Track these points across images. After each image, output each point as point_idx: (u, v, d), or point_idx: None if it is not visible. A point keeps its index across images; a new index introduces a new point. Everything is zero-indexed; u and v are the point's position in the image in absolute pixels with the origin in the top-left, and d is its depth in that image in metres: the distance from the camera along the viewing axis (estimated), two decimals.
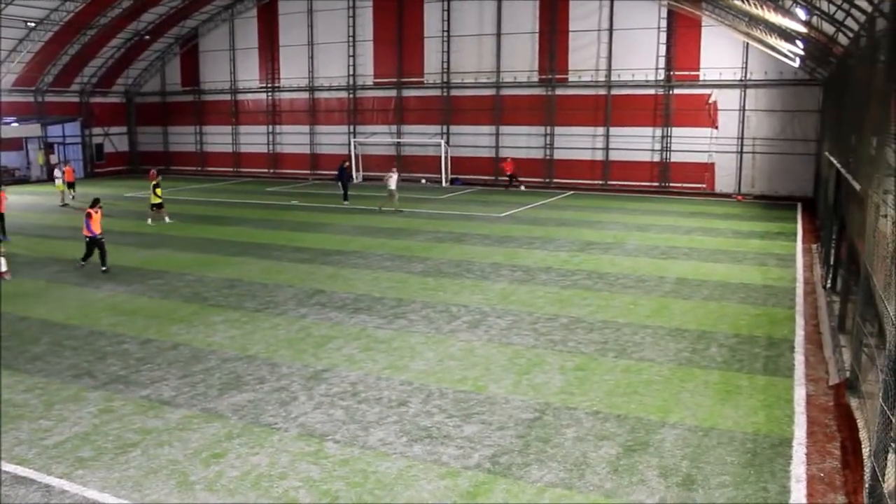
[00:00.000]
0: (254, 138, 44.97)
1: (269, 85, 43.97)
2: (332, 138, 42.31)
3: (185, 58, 46.63)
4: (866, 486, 6.57)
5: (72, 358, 11.53)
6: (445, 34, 38.34)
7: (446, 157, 38.23)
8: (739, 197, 32.81)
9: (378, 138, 40.84)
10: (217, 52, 45.29)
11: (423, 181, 38.54)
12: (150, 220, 25.27)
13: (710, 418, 9.12)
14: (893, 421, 5.89)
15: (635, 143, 34.95)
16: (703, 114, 33.59)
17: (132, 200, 32.59)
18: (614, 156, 35.57)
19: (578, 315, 13.83)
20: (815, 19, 17.60)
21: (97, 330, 13.04)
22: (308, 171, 43.20)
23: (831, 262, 15.49)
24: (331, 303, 14.81)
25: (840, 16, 15.35)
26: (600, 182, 35.89)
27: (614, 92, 35.23)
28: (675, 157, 34.40)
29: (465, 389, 10.13)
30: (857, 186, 11.51)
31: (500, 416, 9.23)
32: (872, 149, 9.90)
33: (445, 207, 29.53)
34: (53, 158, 42.36)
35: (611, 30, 34.79)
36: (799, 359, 11.40)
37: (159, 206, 25.40)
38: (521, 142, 37.44)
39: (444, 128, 39.14)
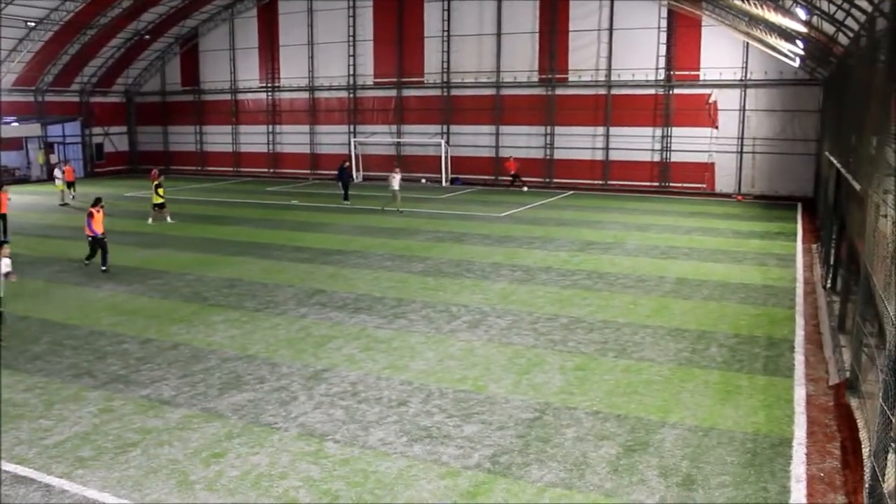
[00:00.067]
0: (254, 138, 44.96)
1: (269, 85, 43.96)
2: (333, 138, 42.30)
3: (185, 57, 46.63)
4: (866, 486, 6.57)
5: (72, 357, 11.53)
6: (445, 34, 38.33)
7: (446, 157, 38.23)
8: (739, 197, 32.81)
9: (378, 138, 40.84)
10: (217, 51, 45.29)
11: (423, 181, 38.53)
12: (150, 220, 25.26)
13: (710, 418, 9.12)
14: (893, 421, 5.89)
15: (635, 142, 34.95)
16: (704, 114, 33.59)
17: (132, 200, 32.60)
18: (614, 156, 35.57)
19: (578, 315, 13.83)
20: (815, 19, 17.60)
21: (97, 330, 13.04)
22: (308, 171, 43.19)
23: (831, 262, 15.49)
24: (331, 302, 14.81)
25: (840, 15, 15.35)
26: (600, 182, 35.89)
27: (614, 92, 35.23)
28: (676, 157, 34.39)
29: (465, 389, 10.13)
30: (857, 186, 11.51)
31: (500, 415, 9.23)
32: (872, 148, 9.90)
33: (445, 207, 29.54)
34: (53, 158, 42.36)
35: (611, 29, 34.79)
36: (799, 359, 11.40)
37: (161, 205, 25.37)
38: (521, 142, 37.43)
39: (445, 127, 39.14)
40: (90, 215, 17.83)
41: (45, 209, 30.10)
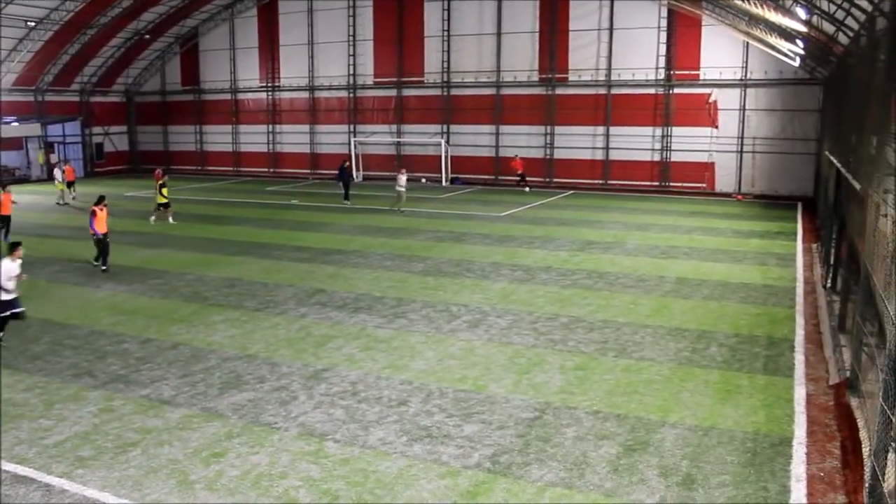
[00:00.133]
0: (254, 137, 44.97)
1: (270, 84, 43.96)
2: (333, 138, 42.30)
3: (185, 57, 46.63)
4: (866, 485, 6.58)
5: (72, 357, 11.53)
6: (445, 34, 38.33)
7: (446, 157, 38.23)
8: (739, 196, 32.81)
9: (378, 138, 40.84)
10: (217, 51, 45.29)
11: (424, 181, 38.52)
12: (153, 220, 25.27)
13: (711, 418, 9.12)
14: (893, 420, 5.89)
15: (635, 142, 34.95)
16: (704, 113, 33.59)
17: (132, 200, 32.60)
18: (614, 155, 35.57)
19: (578, 314, 13.83)
20: (815, 18, 17.60)
21: (97, 329, 13.04)
22: (308, 171, 43.19)
23: (831, 262, 15.49)
24: (331, 302, 14.81)
25: (840, 15, 15.35)
26: (600, 181, 35.89)
27: (614, 91, 35.23)
28: (676, 157, 34.39)
29: (465, 389, 10.13)
30: (858, 186, 11.51)
31: (500, 415, 9.23)
32: (872, 148, 9.90)
33: (445, 207, 29.54)
34: (53, 158, 42.37)
35: (611, 29, 34.79)
36: (799, 358, 11.39)
37: (165, 205, 25.39)
38: (522, 141, 37.41)
39: (445, 127, 39.13)
40: (93, 214, 17.77)
41: (45, 209, 30.11)
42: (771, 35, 24.69)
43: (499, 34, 37.22)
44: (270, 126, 44.38)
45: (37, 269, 17.93)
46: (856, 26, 14.24)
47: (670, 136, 34.33)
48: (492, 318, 13.64)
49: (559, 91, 36.39)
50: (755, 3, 19.44)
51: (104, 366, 11.13)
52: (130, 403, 9.66)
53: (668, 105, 34.18)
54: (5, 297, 11.95)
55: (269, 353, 11.71)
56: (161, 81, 47.75)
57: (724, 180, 33.77)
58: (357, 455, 8.17)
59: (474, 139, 38.64)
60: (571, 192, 34.84)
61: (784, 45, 24.71)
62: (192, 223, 25.40)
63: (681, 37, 33.64)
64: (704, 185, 34.01)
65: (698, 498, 7.25)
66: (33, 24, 36.22)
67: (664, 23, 33.65)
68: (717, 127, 33.45)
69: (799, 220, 26.19)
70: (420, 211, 27.92)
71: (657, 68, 34.10)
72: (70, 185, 32.43)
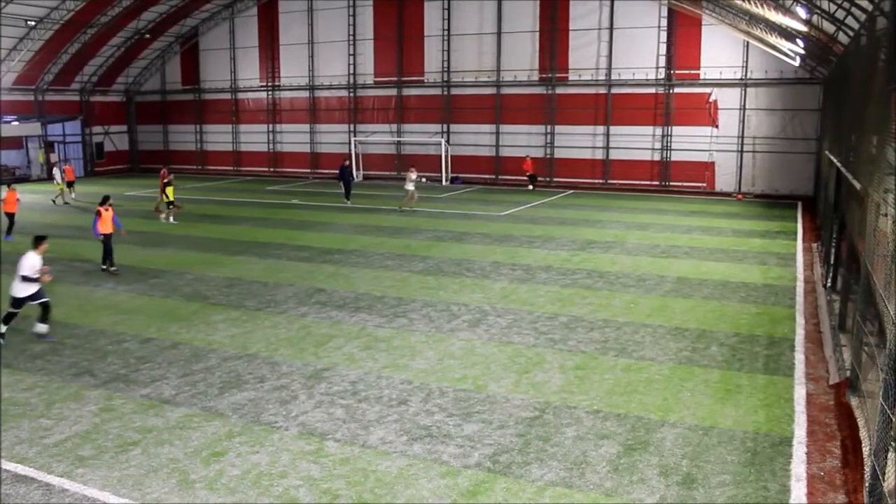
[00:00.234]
0: (254, 137, 44.99)
1: (270, 84, 43.97)
2: (333, 137, 42.32)
3: (185, 56, 46.63)
4: (866, 484, 6.58)
5: (72, 356, 11.53)
6: (446, 33, 38.33)
7: (446, 156, 38.23)
8: (740, 196, 32.81)
9: (378, 137, 40.84)
10: (217, 50, 45.29)
11: (424, 180, 38.49)
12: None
13: (711, 417, 9.12)
14: (894, 420, 5.89)
15: (636, 141, 34.96)
16: (704, 113, 33.59)
17: (132, 199, 32.59)
18: (614, 155, 35.57)
19: (578, 314, 13.83)
20: (815, 18, 17.61)
21: (97, 329, 13.04)
22: (308, 170, 43.20)
23: (832, 261, 15.48)
24: (331, 302, 14.82)
25: (841, 14, 15.35)
26: (600, 181, 35.89)
27: (614, 91, 35.23)
28: (676, 156, 34.39)
29: (465, 388, 10.13)
30: (858, 185, 11.50)
31: (501, 414, 9.23)
32: (873, 147, 9.90)
33: (446, 206, 29.54)
34: (53, 157, 42.38)
35: (611, 28, 34.79)
36: (799, 358, 11.39)
37: (170, 204, 25.51)
38: (522, 141, 37.43)
39: (445, 126, 39.13)
40: (98, 214, 17.69)
41: (45, 208, 30.14)
42: (771, 34, 24.69)
43: (499, 33, 37.21)
44: (271, 125, 44.38)
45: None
46: (856, 26, 14.24)
47: (670, 135, 34.34)
48: (492, 317, 13.64)
49: (559, 90, 36.39)
50: (755, 3, 19.44)
51: (104, 365, 11.14)
52: (131, 403, 9.67)
53: (668, 104, 34.18)
54: (27, 291, 12.00)
55: (270, 352, 11.71)
56: (161, 81, 47.76)
57: (725, 180, 33.77)
58: (357, 454, 8.17)
59: (474, 139, 38.65)
60: (571, 191, 34.84)
61: (784, 45, 24.70)
62: (193, 222, 25.41)
63: (681, 36, 33.64)
64: (705, 184, 34.01)
65: (698, 497, 7.25)
66: (34, 23, 36.23)
67: (664, 22, 33.65)
68: (717, 126, 33.45)
69: (799, 219, 26.19)
70: (420, 210, 27.92)
71: (657, 68, 34.11)
72: (70, 185, 32.43)
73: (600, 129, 35.69)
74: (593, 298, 15.00)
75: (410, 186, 27.68)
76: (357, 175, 39.13)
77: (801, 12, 16.65)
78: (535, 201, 30.95)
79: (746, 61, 32.55)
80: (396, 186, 36.14)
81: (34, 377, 10.64)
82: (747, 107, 32.87)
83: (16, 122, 40.47)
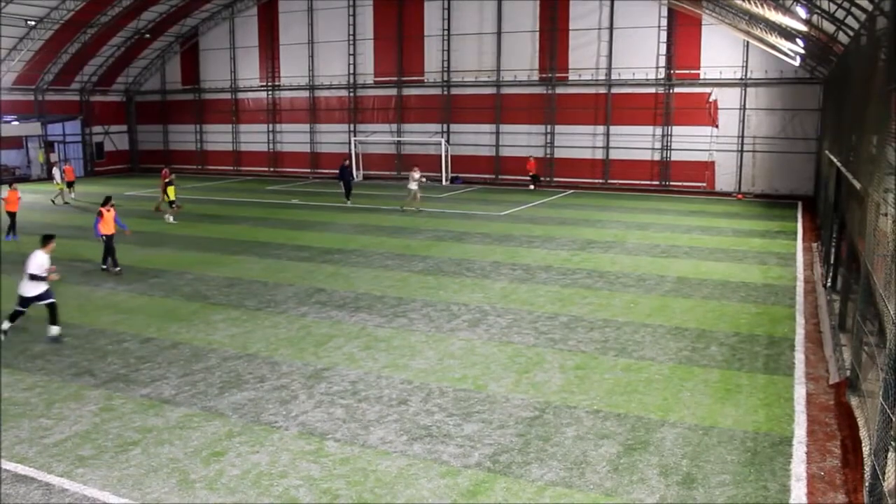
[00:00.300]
0: (254, 137, 44.99)
1: (270, 83, 43.97)
2: (333, 137, 42.32)
3: (185, 56, 46.63)
4: (866, 484, 6.58)
5: (72, 356, 11.53)
6: (446, 33, 38.32)
7: (446, 156, 38.23)
8: (740, 196, 32.81)
9: (378, 137, 40.83)
10: (217, 50, 45.29)
11: (424, 180, 38.47)
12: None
13: (711, 417, 9.12)
14: (894, 419, 5.89)
15: (635, 141, 34.96)
16: (704, 112, 33.59)
17: (133, 199, 32.58)
18: (614, 154, 35.58)
19: (579, 314, 13.83)
20: (815, 18, 17.60)
21: (97, 328, 13.04)
22: (308, 170, 43.20)
23: (832, 261, 15.48)
24: (331, 301, 14.82)
25: (841, 14, 15.35)
26: (600, 181, 35.89)
27: (614, 90, 35.23)
28: (676, 156, 34.40)
29: (465, 388, 10.13)
30: (858, 185, 11.50)
31: (501, 414, 9.23)
32: (873, 147, 9.90)
33: (446, 206, 29.54)
34: (53, 157, 42.39)
35: (611, 28, 34.79)
36: (799, 357, 11.39)
37: (170, 203, 25.53)
38: (522, 140, 37.44)
39: (445, 126, 39.13)
40: (99, 215, 17.65)
41: (45, 208, 30.12)
42: (771, 34, 24.69)
43: (499, 33, 37.21)
44: (271, 125, 44.38)
45: None
46: (856, 25, 14.24)
47: (670, 135, 34.33)
48: (492, 317, 13.64)
49: (559, 90, 36.39)
50: (755, 3, 19.44)
51: (104, 365, 11.14)
52: (131, 402, 9.67)
53: (668, 104, 34.18)
54: (35, 290, 12.00)
55: (270, 352, 11.71)
56: (161, 80, 47.76)
57: (725, 179, 33.77)
58: (357, 454, 8.17)
59: (474, 138, 38.65)
60: (571, 191, 34.84)
61: (784, 45, 24.70)
62: (193, 222, 25.41)
63: (681, 36, 33.64)
64: (705, 184, 34.01)
65: (698, 497, 7.25)
66: (34, 23, 36.23)
67: (664, 22, 33.65)
68: (717, 126, 33.45)
69: (799, 219, 26.19)
70: (423, 210, 27.90)
71: (657, 67, 34.11)
72: (70, 185, 32.42)
73: (600, 128, 35.69)
74: (593, 298, 15.00)
75: (413, 186, 27.66)
76: (357, 175, 39.12)
77: (801, 12, 16.65)
78: (535, 201, 30.95)
79: (746, 61, 32.55)
80: (396, 186, 36.18)
81: (34, 377, 10.64)
82: (747, 106, 32.87)
83: (16, 122, 40.47)
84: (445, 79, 38.81)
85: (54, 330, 12.20)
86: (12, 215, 22.62)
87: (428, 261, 18.73)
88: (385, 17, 39.78)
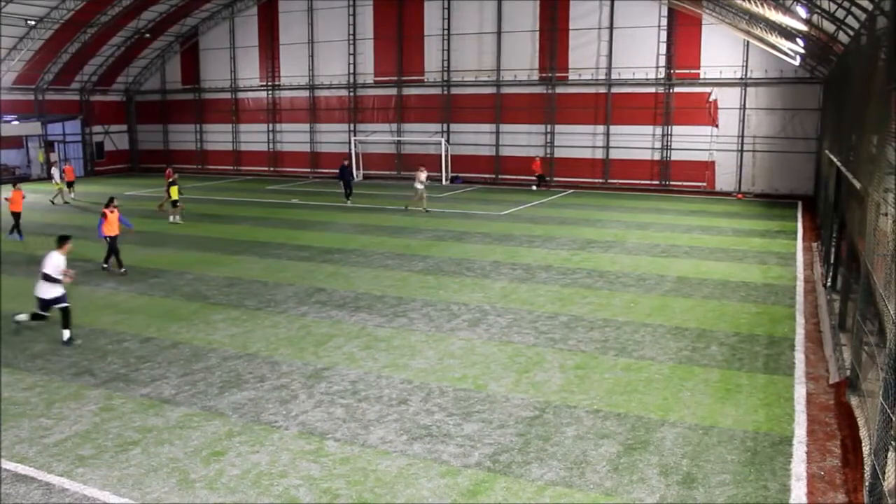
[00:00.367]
0: (254, 136, 44.99)
1: (270, 83, 43.96)
2: (333, 136, 42.32)
3: (185, 56, 46.63)
4: (867, 484, 6.57)
5: (72, 356, 11.53)
6: (446, 32, 38.32)
7: (446, 156, 38.23)
8: (740, 195, 32.81)
9: (378, 136, 40.83)
10: (217, 50, 45.29)
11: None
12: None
13: (711, 416, 9.12)
14: (894, 419, 5.89)
15: (636, 141, 34.95)
16: (704, 112, 33.59)
17: (133, 199, 32.56)
18: (614, 154, 35.58)
19: (579, 313, 13.83)
20: (815, 17, 17.60)
21: (97, 328, 13.04)
22: (308, 170, 43.21)
23: (832, 261, 15.48)
24: (331, 301, 14.81)
25: (841, 14, 15.35)
26: (600, 180, 35.89)
27: (614, 90, 35.22)
28: (676, 156, 34.39)
29: (465, 388, 10.13)
30: (858, 185, 11.50)
31: (501, 414, 9.23)
32: (873, 147, 9.90)
33: (445, 206, 29.53)
34: (53, 157, 42.39)
35: (611, 28, 34.78)
36: (799, 357, 11.39)
37: (174, 203, 25.52)
38: (522, 140, 37.44)
39: (445, 126, 39.13)
40: (103, 216, 17.58)
41: (45, 208, 30.10)
42: (771, 34, 24.69)
43: (499, 33, 37.21)
44: (271, 125, 44.38)
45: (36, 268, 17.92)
46: (856, 25, 14.24)
47: (670, 134, 34.33)
48: (492, 316, 13.64)
49: (559, 90, 36.38)
50: (755, 2, 19.44)
51: (104, 364, 11.14)
52: (131, 402, 9.67)
53: (668, 104, 34.18)
54: (53, 292, 11.95)
55: (270, 351, 11.71)
56: (161, 80, 47.76)
57: (725, 179, 33.77)
58: (357, 454, 8.17)
59: (474, 138, 38.65)
60: (571, 190, 34.84)
61: (784, 44, 24.70)
62: (193, 222, 25.41)
63: (681, 35, 33.63)
64: (705, 183, 34.01)
65: (698, 497, 7.25)
66: (34, 22, 36.22)
67: (664, 21, 33.64)
68: (717, 126, 33.44)
69: (799, 218, 26.19)
70: (420, 210, 27.91)
71: (657, 67, 34.10)
72: (70, 184, 32.40)
73: (600, 128, 35.69)
74: (593, 298, 15.00)
75: (419, 186, 27.65)
76: (357, 175, 39.12)
77: (802, 11, 16.66)
78: (535, 201, 30.95)
79: (746, 61, 32.54)
80: (396, 186, 36.21)
81: (34, 377, 10.64)
82: (747, 106, 32.87)
83: (16, 122, 40.47)
84: (445, 78, 38.81)
85: (66, 334, 12.15)
86: (17, 215, 22.61)
87: (428, 260, 18.72)
88: (385, 16, 39.78)
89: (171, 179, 26.07)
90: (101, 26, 39.06)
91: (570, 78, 36.09)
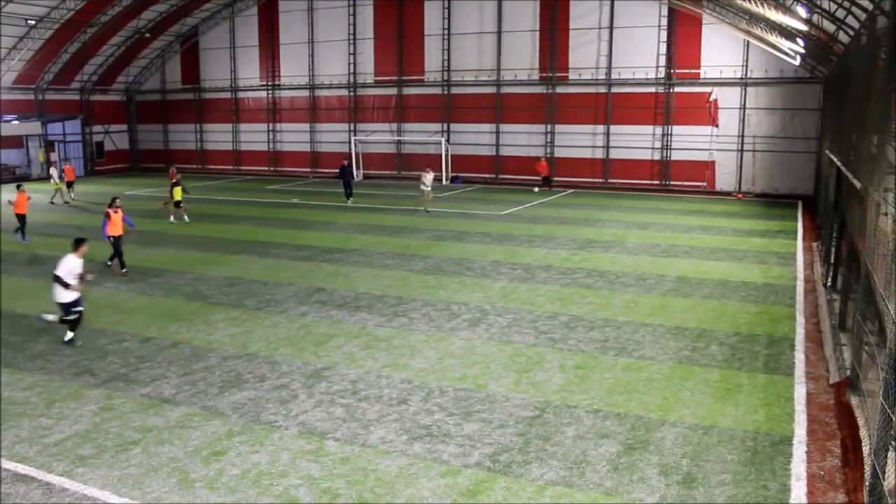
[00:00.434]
0: (254, 136, 44.99)
1: (270, 83, 43.96)
2: (333, 136, 42.31)
3: (185, 55, 46.62)
4: (867, 484, 6.57)
5: (72, 356, 11.53)
6: (446, 32, 38.31)
7: (447, 156, 38.22)
8: (740, 195, 32.80)
9: (378, 136, 40.83)
10: (217, 49, 45.28)
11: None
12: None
13: (711, 416, 9.12)
14: (894, 419, 5.89)
15: (636, 141, 34.95)
16: (704, 112, 33.58)
17: (133, 199, 32.56)
18: (615, 154, 35.57)
19: (579, 313, 13.83)
20: (815, 17, 17.59)
21: (97, 328, 13.03)
22: (308, 169, 43.20)
23: (832, 261, 15.48)
24: (331, 301, 14.81)
25: (841, 14, 15.35)
26: (601, 180, 35.88)
27: (615, 90, 35.22)
28: (676, 156, 34.39)
29: (465, 387, 10.13)
30: (858, 184, 11.50)
31: (501, 414, 9.23)
32: (873, 147, 9.89)
33: (446, 205, 29.52)
34: (53, 156, 42.39)
35: (611, 27, 34.77)
36: (799, 357, 11.39)
37: (177, 203, 25.53)
38: (522, 140, 37.43)
39: (445, 126, 39.12)
40: (107, 216, 17.52)
41: (44, 208, 30.08)
42: (771, 34, 24.68)
43: (499, 33, 37.20)
44: (271, 125, 44.38)
45: (36, 268, 17.92)
46: (856, 25, 14.24)
47: (670, 134, 34.33)
48: (492, 316, 13.64)
49: (559, 90, 36.38)
50: (756, 2, 19.43)
51: (104, 364, 11.14)
52: (131, 402, 9.67)
53: (668, 104, 34.17)
54: (71, 295, 11.91)
55: (270, 351, 11.71)
56: (161, 80, 47.76)
57: (725, 179, 33.77)
58: (357, 454, 8.17)
59: (475, 138, 38.64)
60: (572, 190, 34.83)
61: (784, 44, 24.69)
62: (193, 222, 25.40)
63: (681, 35, 33.62)
64: (705, 183, 34.00)
65: (698, 496, 7.25)
66: (34, 22, 36.22)
67: (664, 21, 33.64)
68: (717, 125, 33.43)
69: (799, 218, 26.19)
70: (420, 210, 27.91)
71: (657, 67, 34.10)
72: (70, 184, 32.38)
73: (600, 128, 35.68)
74: (593, 298, 15.00)
75: (425, 187, 27.67)
76: (357, 174, 39.12)
77: (802, 11, 16.65)
78: (535, 201, 30.95)
79: (746, 60, 32.53)
80: (396, 186, 36.22)
81: (34, 376, 10.64)
82: (747, 106, 32.86)
83: (16, 122, 40.46)
84: (445, 78, 38.80)
85: (69, 334, 12.12)
86: (22, 218, 22.57)
87: (428, 260, 18.72)
88: (385, 16, 39.77)
89: (174, 180, 26.03)
90: (101, 26, 39.06)
91: (571, 78, 36.09)
